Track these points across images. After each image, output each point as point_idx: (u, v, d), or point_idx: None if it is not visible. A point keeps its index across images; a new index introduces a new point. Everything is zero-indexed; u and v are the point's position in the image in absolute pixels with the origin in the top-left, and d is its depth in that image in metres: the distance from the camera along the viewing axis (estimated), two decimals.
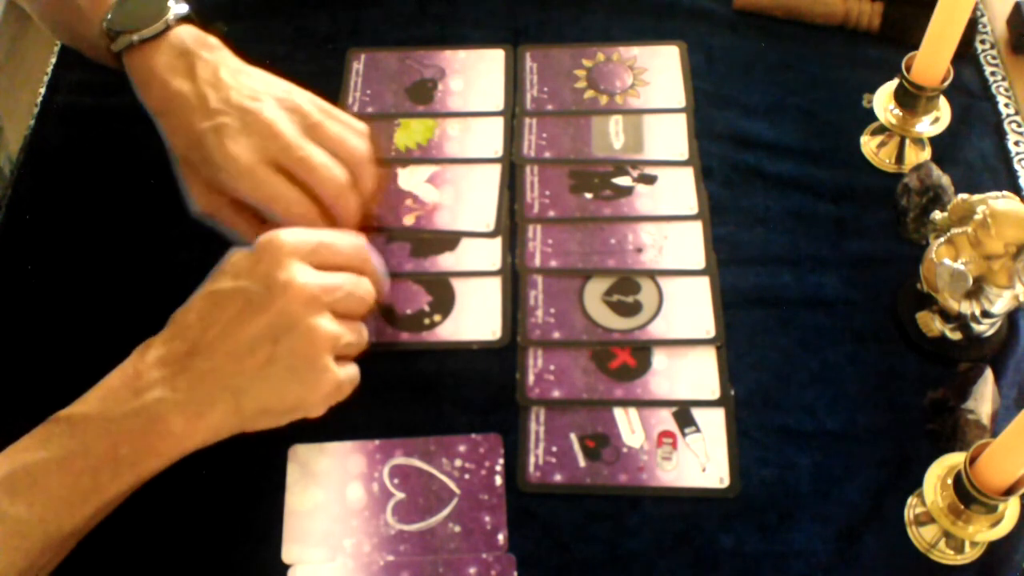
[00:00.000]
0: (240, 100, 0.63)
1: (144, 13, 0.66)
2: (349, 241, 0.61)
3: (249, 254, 0.57)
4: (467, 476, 0.60)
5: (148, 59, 0.65)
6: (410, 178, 0.73)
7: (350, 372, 0.58)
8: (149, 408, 0.53)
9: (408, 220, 0.70)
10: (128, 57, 0.66)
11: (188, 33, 0.66)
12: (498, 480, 0.60)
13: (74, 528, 0.52)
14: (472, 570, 0.57)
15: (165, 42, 0.65)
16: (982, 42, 0.80)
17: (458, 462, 0.60)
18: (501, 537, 0.58)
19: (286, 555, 0.58)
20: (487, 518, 0.59)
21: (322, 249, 0.58)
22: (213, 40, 0.66)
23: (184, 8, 0.66)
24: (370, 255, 0.62)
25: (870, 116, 0.73)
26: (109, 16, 0.66)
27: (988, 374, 0.61)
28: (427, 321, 0.66)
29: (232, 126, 0.62)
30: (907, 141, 0.72)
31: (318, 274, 0.56)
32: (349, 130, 0.66)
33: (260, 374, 0.54)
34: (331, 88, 0.77)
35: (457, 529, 0.58)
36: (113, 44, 0.65)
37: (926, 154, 0.73)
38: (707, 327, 0.66)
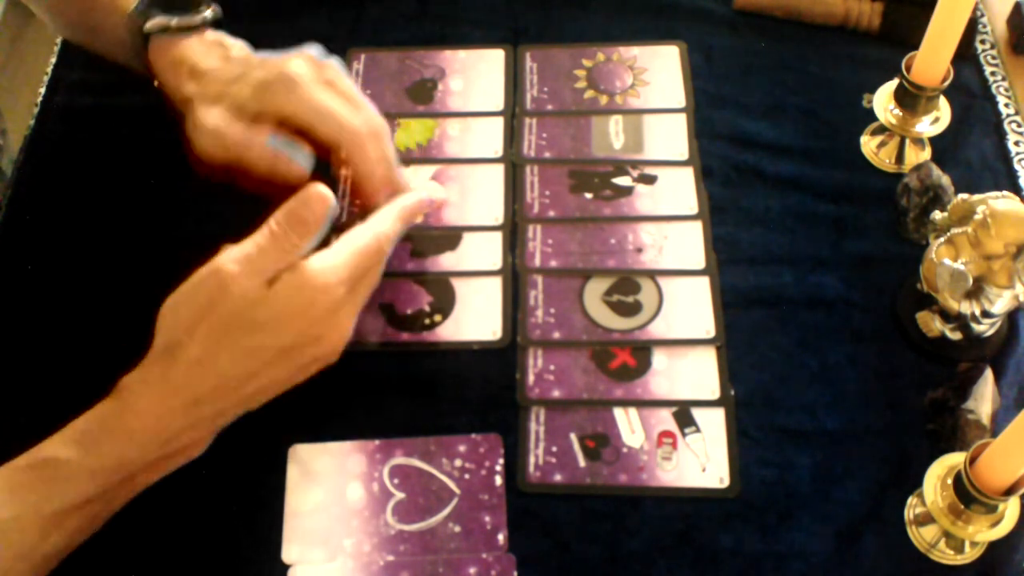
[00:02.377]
0: (277, 55, 0.63)
1: (180, 5, 0.65)
2: (371, 247, 0.58)
3: (299, 295, 0.54)
4: (467, 476, 0.60)
5: (179, 45, 0.64)
6: (414, 176, 0.73)
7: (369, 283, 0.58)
8: (175, 452, 0.54)
9: (418, 218, 0.70)
10: (156, 41, 0.64)
11: (221, 35, 0.66)
12: (498, 480, 0.60)
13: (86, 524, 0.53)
14: (472, 570, 0.57)
15: (197, 35, 0.65)
16: (982, 42, 0.80)
17: (458, 462, 0.60)
18: (501, 537, 0.58)
19: (286, 555, 0.58)
20: (487, 518, 0.59)
21: (357, 270, 0.56)
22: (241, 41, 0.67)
23: (219, 12, 0.67)
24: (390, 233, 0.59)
25: (870, 116, 0.73)
26: (139, 6, 0.65)
27: (988, 374, 0.61)
28: (427, 321, 0.66)
29: (275, 61, 0.62)
30: (907, 141, 0.72)
31: (357, 302, 0.57)
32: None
33: (274, 379, 0.55)
34: None
35: (457, 529, 0.58)
36: (147, 24, 0.64)
37: (926, 154, 0.73)
38: (707, 327, 0.66)
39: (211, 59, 0.64)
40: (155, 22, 0.64)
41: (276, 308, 0.53)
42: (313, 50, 0.64)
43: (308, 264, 0.54)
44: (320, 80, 0.62)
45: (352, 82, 0.64)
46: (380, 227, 0.59)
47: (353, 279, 0.56)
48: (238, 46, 0.65)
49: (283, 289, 0.53)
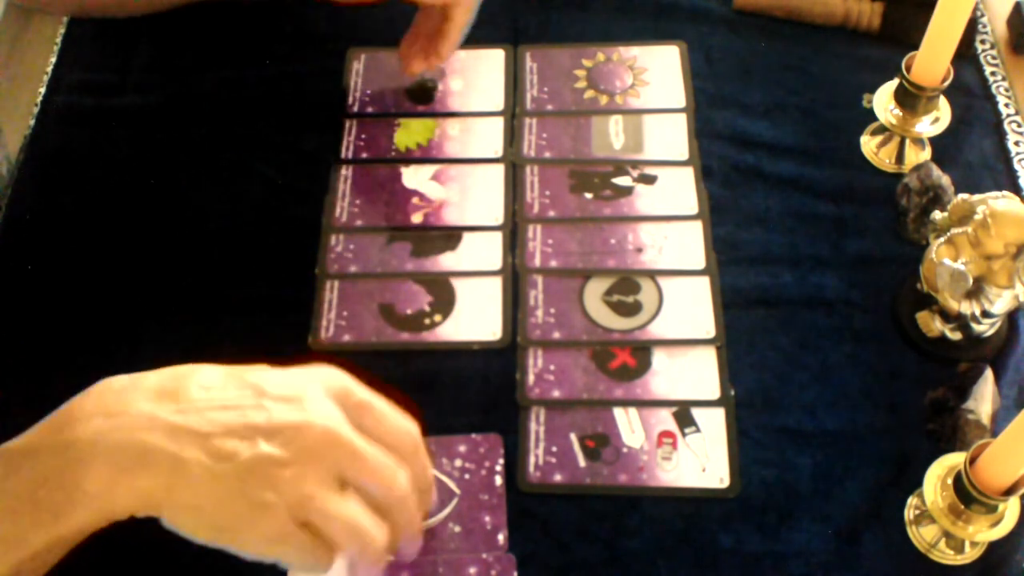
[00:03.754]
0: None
1: None
2: (406, 432, 0.51)
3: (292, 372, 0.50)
4: (467, 476, 0.60)
5: None
6: (414, 176, 0.73)
7: (297, 541, 0.46)
8: (74, 444, 0.46)
9: (416, 218, 0.71)
10: None
11: None
12: (498, 480, 0.60)
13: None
14: (472, 570, 0.57)
15: None
16: (982, 42, 0.80)
17: (458, 462, 0.60)
18: (501, 537, 0.58)
19: None
20: (487, 518, 0.59)
21: (367, 399, 0.50)
22: None
23: None
24: (431, 479, 0.52)
25: (870, 116, 0.73)
26: None
27: (988, 374, 0.61)
28: (427, 321, 0.66)
29: None
30: (907, 141, 0.72)
31: (344, 420, 0.48)
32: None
33: (209, 464, 0.46)
34: (331, 88, 0.77)
35: (457, 529, 0.58)
36: None
37: (926, 154, 0.73)
38: (707, 327, 0.66)
39: None
40: None
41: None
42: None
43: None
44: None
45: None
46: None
47: (353, 418, 0.49)
48: None
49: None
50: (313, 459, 0.46)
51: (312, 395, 0.48)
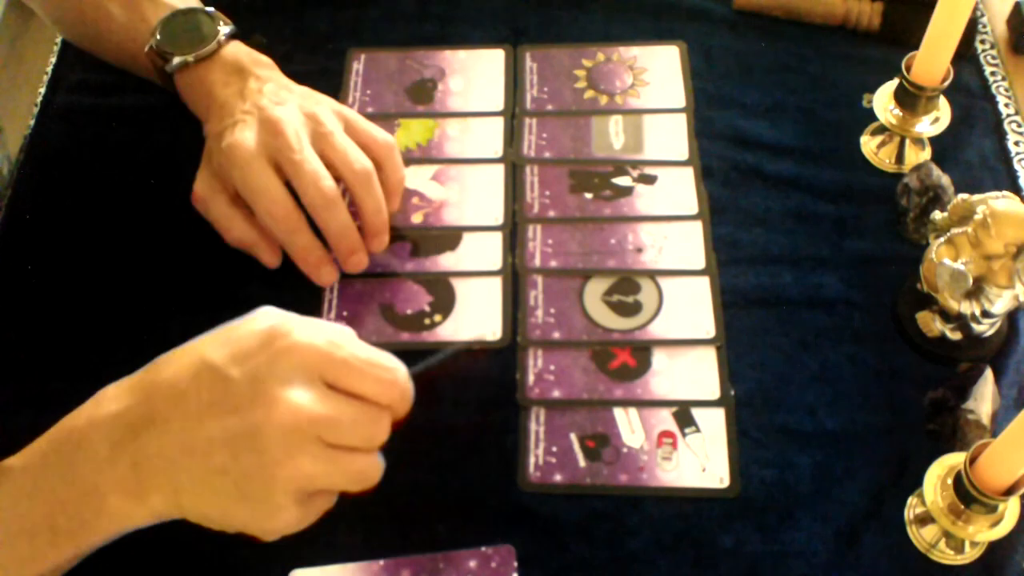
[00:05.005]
0: (264, 102, 0.64)
1: (193, 34, 0.68)
2: (382, 368, 0.50)
3: (259, 333, 0.48)
4: None
5: (202, 77, 0.67)
6: (414, 176, 0.73)
7: (319, 507, 0.49)
8: (85, 479, 0.47)
9: (416, 218, 0.70)
10: (180, 74, 0.68)
11: (240, 50, 0.68)
12: None
13: None
14: (472, 563, 0.57)
15: (219, 59, 0.67)
16: (982, 42, 0.80)
17: None
18: None
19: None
20: None
21: (343, 368, 0.48)
22: (265, 59, 0.68)
23: (230, 27, 0.69)
24: (407, 389, 0.51)
25: (870, 116, 0.73)
26: (157, 36, 0.67)
27: (988, 374, 0.61)
28: (427, 321, 0.66)
29: (246, 121, 0.63)
30: (907, 141, 0.72)
31: (319, 400, 0.47)
32: (365, 141, 0.66)
33: (207, 480, 0.47)
34: (331, 88, 0.77)
35: None
36: (167, 65, 0.67)
37: (926, 154, 0.73)
38: (707, 327, 0.66)
39: (227, 93, 0.66)
40: (175, 64, 0.67)
41: (245, 326, 0.49)
42: (323, 106, 0.66)
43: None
44: (311, 135, 0.63)
45: (357, 130, 0.66)
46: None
47: (325, 376, 0.48)
48: (256, 74, 0.67)
49: (265, 326, 0.49)
50: (297, 444, 0.46)
51: (276, 376, 0.47)
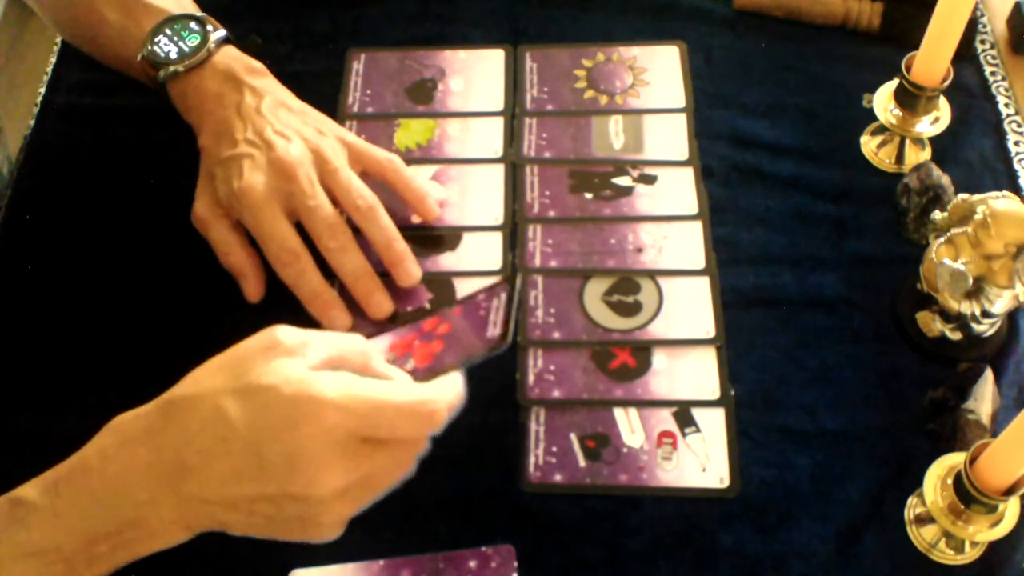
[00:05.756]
0: (271, 136, 0.64)
1: (185, 41, 0.67)
2: (417, 404, 0.49)
3: (286, 401, 0.46)
4: None
5: (194, 86, 0.67)
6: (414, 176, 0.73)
7: (355, 508, 0.50)
8: (126, 516, 0.47)
9: (416, 218, 0.70)
10: (172, 83, 0.67)
11: (232, 57, 0.68)
12: None
13: None
14: (473, 563, 0.57)
15: (210, 67, 0.67)
16: (982, 42, 0.80)
17: None
18: None
19: None
20: None
21: (373, 425, 0.48)
22: (257, 64, 0.68)
23: (222, 32, 0.68)
24: (449, 408, 0.51)
25: (870, 116, 0.73)
26: (148, 47, 0.67)
27: (988, 374, 0.61)
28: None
29: (256, 159, 0.63)
30: (907, 141, 0.72)
31: (356, 467, 0.47)
32: (369, 166, 0.67)
33: (251, 523, 0.48)
34: (331, 88, 0.77)
35: None
36: (159, 74, 0.67)
37: (926, 154, 0.73)
38: (707, 327, 0.66)
39: (222, 107, 0.66)
40: (165, 72, 0.67)
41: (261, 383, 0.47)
42: (328, 138, 0.66)
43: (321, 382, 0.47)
44: (320, 174, 0.64)
45: (364, 157, 0.67)
46: (435, 394, 0.50)
47: (358, 432, 0.48)
48: (250, 85, 0.66)
49: (294, 392, 0.46)
50: (339, 500, 0.48)
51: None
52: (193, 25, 0.68)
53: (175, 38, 0.68)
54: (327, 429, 0.46)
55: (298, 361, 0.48)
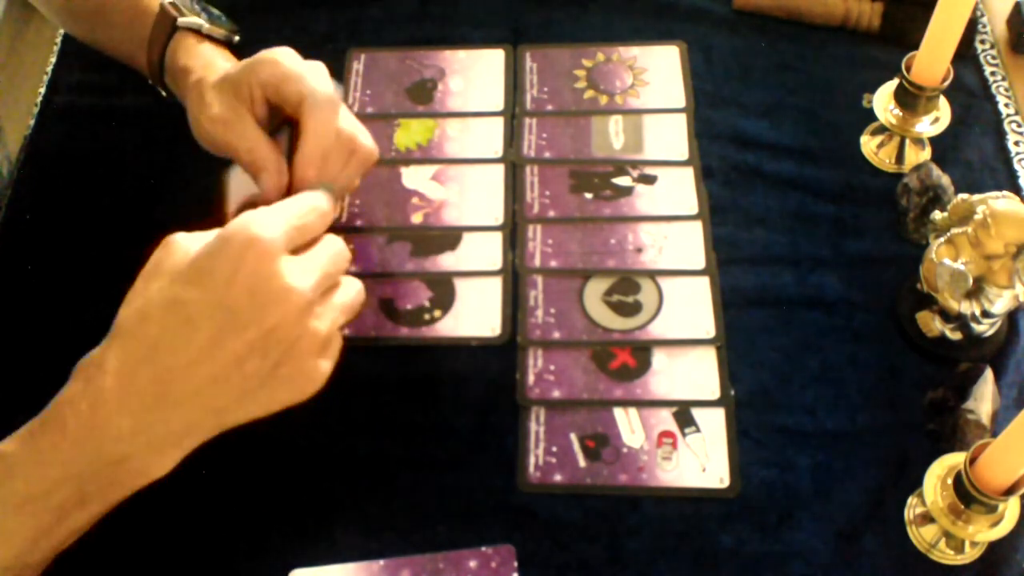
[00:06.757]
0: None
1: (212, 13, 0.69)
2: (313, 210, 0.53)
3: (219, 253, 0.48)
4: None
5: (199, 44, 0.66)
6: (414, 176, 0.73)
7: (336, 348, 0.52)
8: (113, 452, 0.48)
9: (416, 218, 0.71)
10: (181, 35, 0.67)
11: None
12: None
13: (42, 558, 0.49)
14: (473, 563, 0.57)
15: (216, 44, 0.68)
16: (982, 42, 0.80)
17: None
18: None
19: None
20: None
21: (297, 231, 0.51)
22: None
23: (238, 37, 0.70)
24: (329, 207, 0.54)
25: (870, 116, 0.73)
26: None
27: (988, 374, 0.61)
28: (427, 316, 0.66)
29: None
30: (907, 141, 0.72)
31: (307, 271, 0.50)
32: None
33: (248, 390, 0.49)
34: None
35: None
36: (180, 19, 0.66)
37: (926, 154, 0.73)
38: (707, 327, 0.66)
39: (221, 61, 0.66)
40: (189, 20, 0.66)
41: (193, 257, 0.49)
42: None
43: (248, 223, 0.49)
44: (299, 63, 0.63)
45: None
46: (318, 202, 0.54)
47: (292, 248, 0.50)
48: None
49: (219, 244, 0.49)
50: (308, 315, 0.49)
51: (263, 277, 0.48)
52: (217, 12, 0.69)
53: (201, 4, 0.69)
54: (266, 251, 0.48)
55: (197, 235, 0.50)
